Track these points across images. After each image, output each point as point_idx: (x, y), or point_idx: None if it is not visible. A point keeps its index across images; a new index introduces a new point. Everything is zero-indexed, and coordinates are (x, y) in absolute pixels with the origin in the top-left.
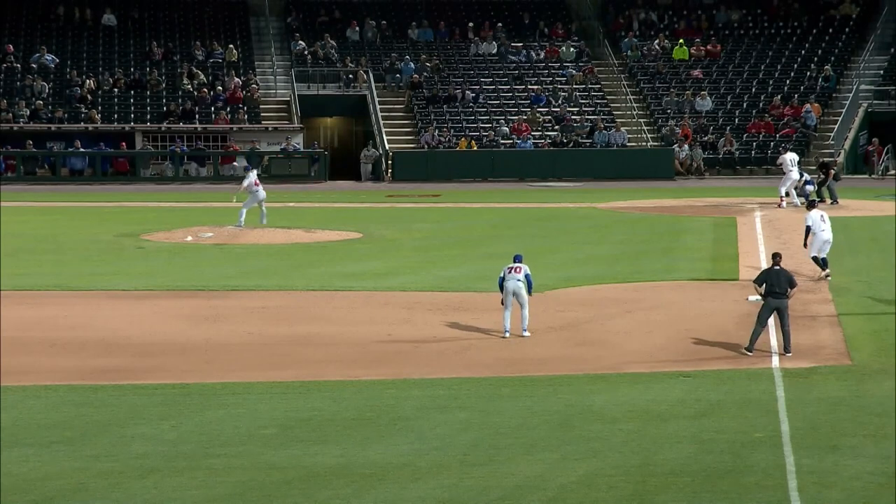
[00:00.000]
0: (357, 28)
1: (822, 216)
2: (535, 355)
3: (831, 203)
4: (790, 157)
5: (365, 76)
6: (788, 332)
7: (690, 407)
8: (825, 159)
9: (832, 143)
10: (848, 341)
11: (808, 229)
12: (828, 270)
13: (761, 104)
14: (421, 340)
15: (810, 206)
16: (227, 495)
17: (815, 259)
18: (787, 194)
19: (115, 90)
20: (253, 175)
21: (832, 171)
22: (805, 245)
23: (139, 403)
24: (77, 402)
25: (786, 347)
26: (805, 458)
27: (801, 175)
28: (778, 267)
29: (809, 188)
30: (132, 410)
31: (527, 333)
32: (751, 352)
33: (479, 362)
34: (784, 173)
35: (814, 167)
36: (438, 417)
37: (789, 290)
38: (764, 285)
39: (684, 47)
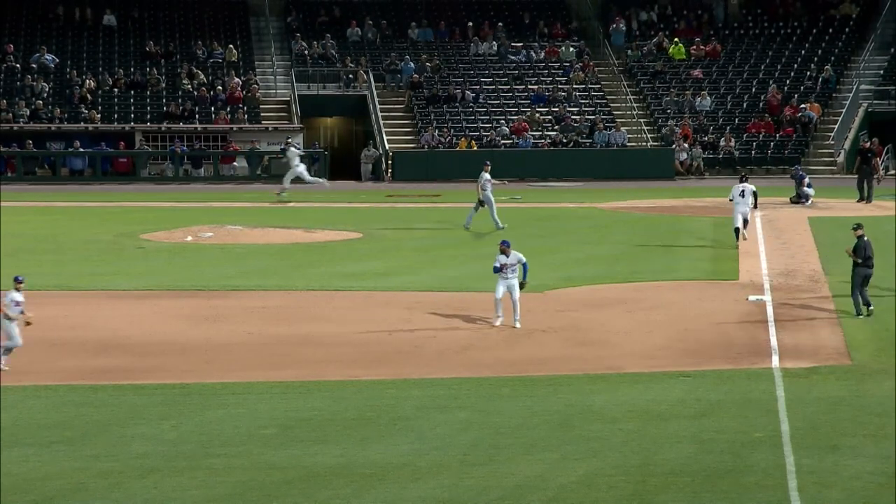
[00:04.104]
0: (357, 28)
1: (742, 191)
2: (535, 355)
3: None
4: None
5: (365, 76)
6: (867, 294)
7: (690, 407)
8: (863, 144)
9: (832, 142)
10: (848, 341)
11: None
12: (738, 243)
13: (761, 104)
14: (421, 340)
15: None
16: (227, 495)
17: (736, 230)
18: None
19: (115, 90)
20: (486, 176)
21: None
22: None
23: (139, 403)
24: (77, 402)
25: (868, 304)
26: (805, 458)
27: (802, 176)
28: (867, 239)
29: (810, 191)
30: (132, 410)
31: (518, 325)
32: (861, 314)
33: (479, 362)
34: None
35: (820, 167)
36: (438, 417)
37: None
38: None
39: (680, 45)
